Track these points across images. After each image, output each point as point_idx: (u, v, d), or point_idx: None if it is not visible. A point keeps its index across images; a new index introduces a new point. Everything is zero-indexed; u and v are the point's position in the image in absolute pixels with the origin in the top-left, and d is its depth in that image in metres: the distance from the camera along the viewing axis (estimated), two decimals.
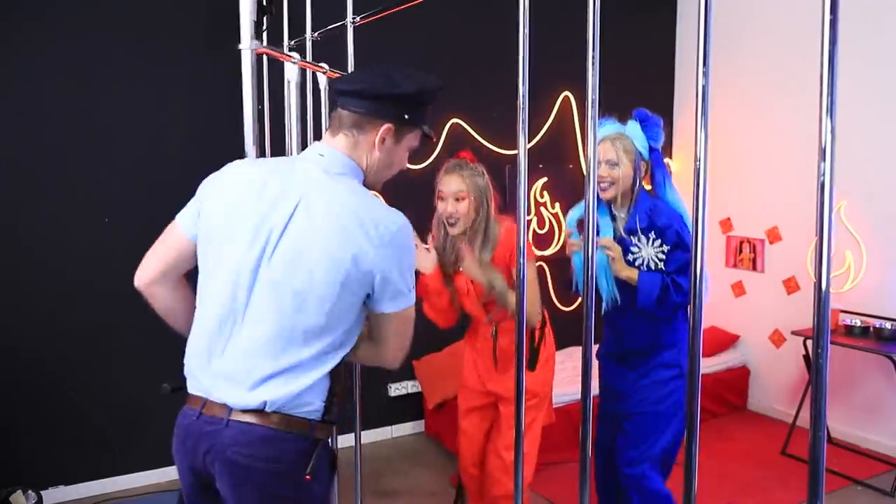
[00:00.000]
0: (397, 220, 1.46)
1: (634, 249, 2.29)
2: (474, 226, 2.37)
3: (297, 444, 1.46)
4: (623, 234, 2.31)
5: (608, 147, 2.30)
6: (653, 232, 2.26)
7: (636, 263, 2.28)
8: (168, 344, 2.33)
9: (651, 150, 2.32)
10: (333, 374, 1.50)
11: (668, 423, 2.35)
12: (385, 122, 1.51)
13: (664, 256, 2.25)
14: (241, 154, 1.87)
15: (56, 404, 3.26)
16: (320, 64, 2.25)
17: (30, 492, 3.11)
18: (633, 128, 2.32)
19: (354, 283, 1.42)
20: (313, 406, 1.47)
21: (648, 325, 2.34)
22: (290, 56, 2.11)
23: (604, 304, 2.35)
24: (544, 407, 2.56)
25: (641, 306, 2.25)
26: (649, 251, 2.26)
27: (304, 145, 2.04)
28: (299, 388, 1.44)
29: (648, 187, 2.41)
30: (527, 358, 2.42)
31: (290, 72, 2.10)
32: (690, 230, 2.30)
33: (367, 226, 1.41)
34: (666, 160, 2.68)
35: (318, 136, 1.98)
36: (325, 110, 2.24)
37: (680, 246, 2.25)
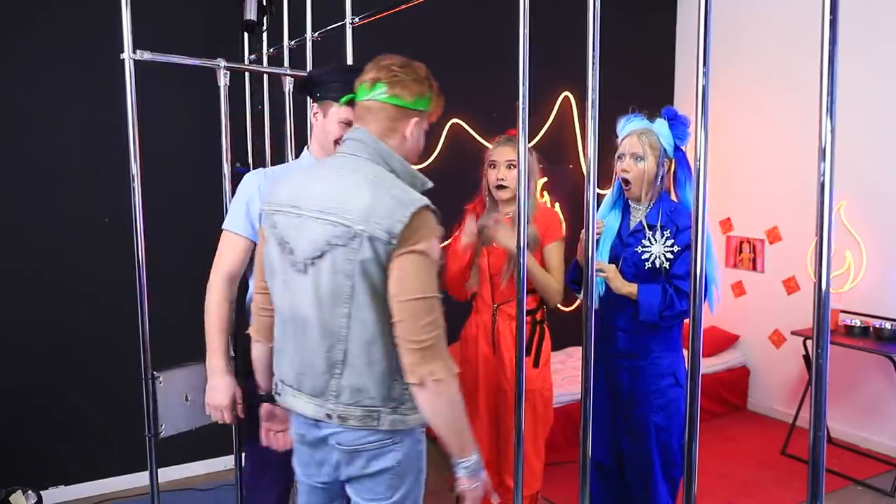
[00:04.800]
0: None
1: (646, 243, 2.29)
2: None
3: None
4: (645, 224, 2.31)
5: (634, 141, 2.31)
6: (669, 230, 2.27)
7: (643, 257, 2.29)
8: (168, 344, 2.34)
9: (676, 148, 2.33)
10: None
11: (665, 434, 2.30)
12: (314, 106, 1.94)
13: (671, 256, 2.25)
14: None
15: (56, 404, 3.25)
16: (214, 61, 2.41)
17: (30, 492, 3.10)
18: (660, 125, 2.33)
19: None
20: None
21: (642, 326, 2.31)
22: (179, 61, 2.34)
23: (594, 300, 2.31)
24: (548, 405, 2.53)
25: (644, 320, 2.24)
26: (659, 248, 2.27)
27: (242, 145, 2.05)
28: None
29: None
30: (531, 352, 2.44)
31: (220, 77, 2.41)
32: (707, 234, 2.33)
33: None
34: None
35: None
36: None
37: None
